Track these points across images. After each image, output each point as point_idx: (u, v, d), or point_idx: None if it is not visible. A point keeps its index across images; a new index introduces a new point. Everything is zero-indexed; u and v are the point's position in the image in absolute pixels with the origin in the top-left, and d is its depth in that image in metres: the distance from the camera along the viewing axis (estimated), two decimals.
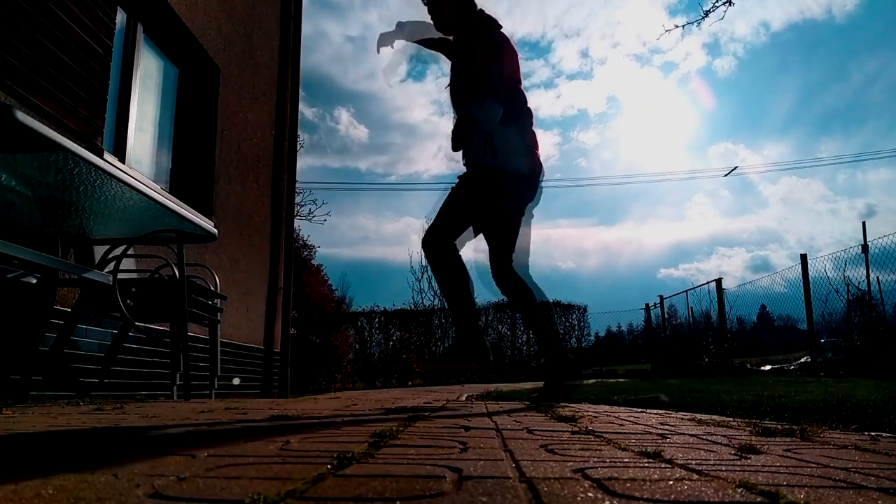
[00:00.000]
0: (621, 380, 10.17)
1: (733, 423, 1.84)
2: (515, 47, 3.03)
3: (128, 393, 3.90)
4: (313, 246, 19.67)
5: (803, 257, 9.72)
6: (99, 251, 3.30)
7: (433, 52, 3.27)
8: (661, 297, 16.35)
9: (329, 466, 0.86)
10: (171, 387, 3.78)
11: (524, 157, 2.94)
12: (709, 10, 6.26)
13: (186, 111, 5.19)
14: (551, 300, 19.39)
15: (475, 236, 3.07)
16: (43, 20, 3.13)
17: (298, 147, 7.52)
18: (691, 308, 14.57)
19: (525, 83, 3.12)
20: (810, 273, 9.63)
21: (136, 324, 3.37)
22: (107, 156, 3.77)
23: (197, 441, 1.18)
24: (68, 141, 2.05)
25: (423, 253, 3.03)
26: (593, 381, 10.27)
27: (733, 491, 0.75)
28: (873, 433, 1.65)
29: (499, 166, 2.89)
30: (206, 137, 5.25)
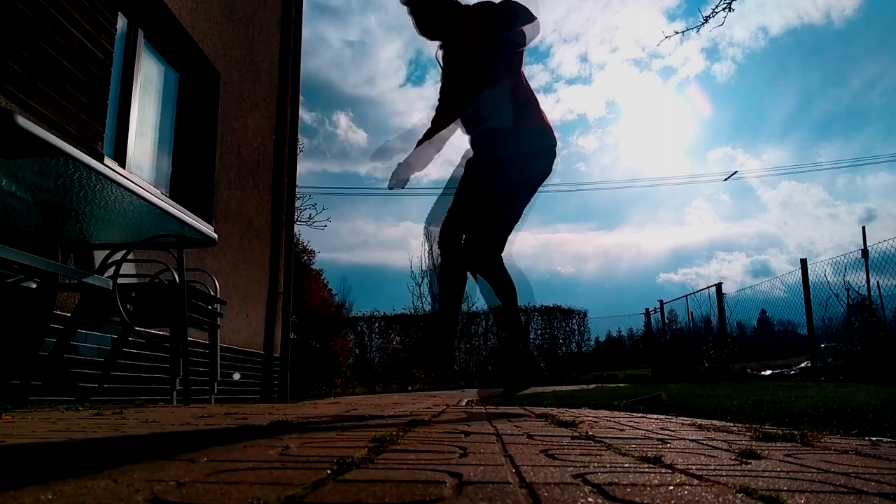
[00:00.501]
0: (621, 385, 10.16)
1: (733, 428, 1.84)
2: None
3: (127, 398, 3.89)
4: (313, 251, 19.70)
5: (803, 262, 9.73)
6: (99, 256, 3.30)
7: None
8: (661, 301, 16.36)
9: (329, 472, 0.86)
10: (171, 391, 3.78)
11: (511, 113, 2.62)
12: (708, 16, 6.29)
13: (187, 116, 5.20)
14: (551, 305, 19.33)
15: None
16: (44, 25, 3.14)
17: (298, 152, 7.53)
18: (691, 313, 14.57)
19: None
20: (810, 278, 9.63)
21: (136, 329, 3.37)
22: (107, 161, 3.77)
23: (196, 446, 1.18)
24: (69, 146, 2.06)
25: (439, 250, 2.78)
26: (593, 385, 10.25)
27: (734, 496, 0.74)
28: (874, 438, 1.65)
29: (492, 127, 2.63)
30: (207, 142, 5.26)
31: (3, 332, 2.79)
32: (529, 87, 2.74)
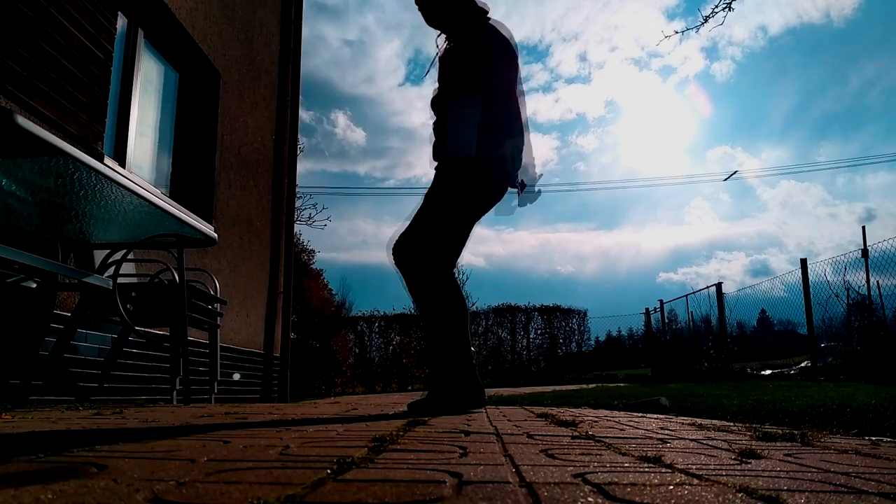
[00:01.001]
0: (621, 384, 10.16)
1: (733, 428, 1.84)
2: (508, 39, 2.73)
3: (127, 397, 3.89)
4: (313, 250, 19.69)
5: (803, 262, 9.73)
6: (99, 255, 3.30)
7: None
8: (661, 301, 16.36)
9: (329, 471, 0.86)
10: (171, 391, 3.78)
11: (474, 142, 2.59)
12: (708, 16, 6.28)
13: (187, 116, 5.20)
14: (551, 304, 19.31)
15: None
16: (44, 25, 3.14)
17: (298, 151, 7.53)
18: (691, 312, 14.57)
19: (523, 87, 2.95)
20: (810, 277, 9.63)
21: (136, 328, 3.37)
22: (107, 160, 3.77)
23: (197, 446, 1.18)
24: (69, 145, 2.06)
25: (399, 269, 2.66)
26: (593, 385, 10.25)
27: (733, 496, 0.74)
28: (874, 438, 1.65)
29: (452, 154, 2.62)
30: (207, 142, 5.26)
31: (3, 332, 2.79)
32: (512, 116, 2.67)
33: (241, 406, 3.40)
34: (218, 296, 4.26)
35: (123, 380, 3.89)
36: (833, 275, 9.60)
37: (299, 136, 7.53)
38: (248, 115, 6.13)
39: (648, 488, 0.78)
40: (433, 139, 2.79)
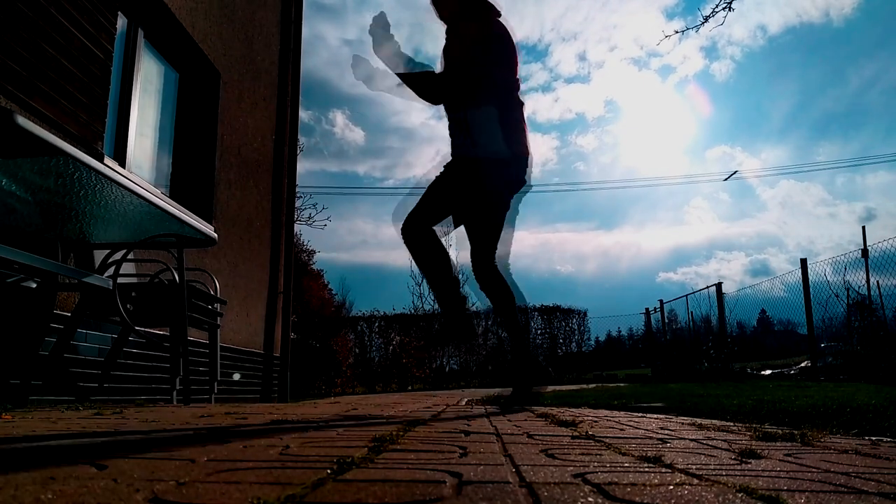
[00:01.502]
0: (621, 384, 10.16)
1: (733, 428, 1.84)
2: (514, 40, 2.95)
3: (127, 397, 3.89)
4: (313, 250, 19.70)
5: (803, 262, 9.73)
6: (99, 255, 3.30)
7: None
8: (661, 301, 16.36)
9: (329, 471, 0.86)
10: (171, 391, 3.78)
11: (502, 141, 2.86)
12: (708, 16, 6.29)
13: (187, 116, 5.20)
14: (551, 304, 19.31)
15: (455, 228, 3.02)
16: (44, 25, 3.14)
17: (298, 151, 7.53)
18: (691, 312, 14.57)
19: (522, 87, 3.06)
20: (810, 277, 9.63)
21: (136, 328, 3.37)
22: (107, 160, 3.77)
23: (197, 446, 1.18)
24: (69, 145, 2.06)
25: (402, 238, 2.99)
26: (593, 385, 10.25)
27: (733, 496, 0.74)
28: (874, 438, 1.65)
29: (476, 156, 2.86)
30: (207, 142, 5.26)
31: (3, 332, 2.79)
32: (521, 113, 2.95)
33: (241, 406, 3.40)
34: (218, 296, 4.26)
35: (123, 380, 3.89)
36: (833, 275, 9.60)
37: (299, 136, 7.53)
38: (248, 115, 6.13)
39: (648, 488, 0.78)
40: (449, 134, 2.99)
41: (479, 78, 2.82)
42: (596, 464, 0.99)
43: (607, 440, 1.39)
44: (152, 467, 0.89)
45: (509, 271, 2.92)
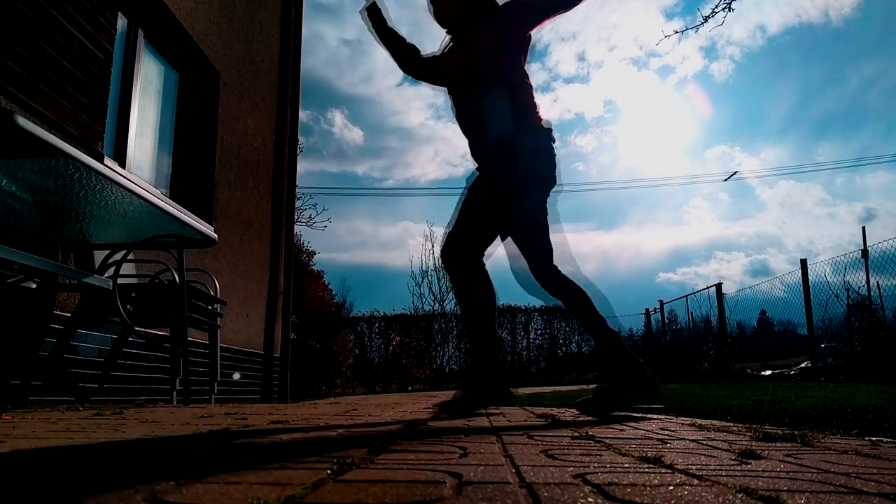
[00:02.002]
0: None
1: (734, 428, 1.84)
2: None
3: (127, 398, 3.89)
4: (313, 251, 19.71)
5: (803, 262, 9.73)
6: (99, 256, 3.30)
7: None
8: (661, 301, 16.36)
9: (329, 472, 0.86)
10: (171, 392, 3.78)
11: (508, 116, 2.55)
12: (708, 16, 6.29)
13: (187, 116, 5.20)
14: (551, 304, 19.30)
15: (503, 240, 2.69)
16: (44, 25, 3.14)
17: (298, 152, 7.53)
18: (691, 313, 14.56)
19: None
20: (810, 278, 9.62)
21: (136, 329, 3.37)
22: (107, 161, 3.77)
23: (196, 446, 1.18)
24: (69, 146, 2.06)
25: (442, 267, 2.67)
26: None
27: (734, 496, 0.74)
28: (874, 438, 1.65)
29: (500, 135, 2.55)
30: (207, 142, 5.26)
31: (3, 332, 2.79)
32: (530, 86, 2.68)
33: (241, 406, 3.40)
34: (218, 296, 4.26)
35: (123, 380, 3.89)
36: (833, 275, 9.59)
37: (299, 136, 7.53)
38: (248, 116, 6.13)
39: (648, 489, 0.78)
40: (465, 137, 2.72)
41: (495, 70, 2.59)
42: (596, 464, 0.99)
43: (607, 440, 1.39)
44: (152, 467, 0.89)
45: (582, 275, 2.61)
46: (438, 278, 23.65)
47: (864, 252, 8.88)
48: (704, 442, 1.42)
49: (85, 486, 0.73)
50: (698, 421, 2.23)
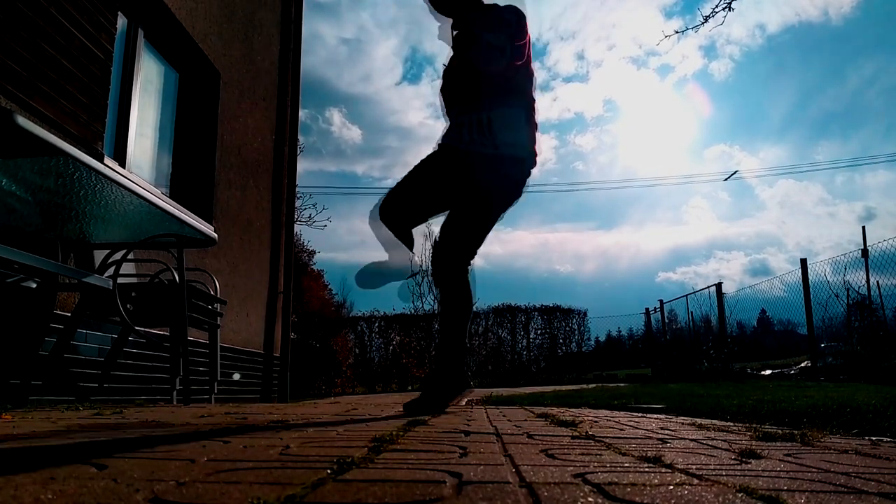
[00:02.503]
0: (621, 384, 10.16)
1: (733, 428, 1.84)
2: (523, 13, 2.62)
3: (127, 397, 3.89)
4: (313, 251, 19.71)
5: (803, 262, 9.73)
6: (99, 256, 3.30)
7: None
8: (661, 301, 16.37)
9: (329, 471, 0.86)
10: (171, 391, 3.78)
11: (525, 141, 2.59)
12: (708, 16, 6.29)
13: (187, 116, 5.20)
14: (551, 304, 19.29)
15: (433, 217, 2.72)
16: (44, 25, 3.14)
17: (298, 151, 7.53)
18: (691, 313, 14.57)
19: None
20: (810, 277, 9.63)
21: (136, 328, 3.37)
22: (107, 160, 3.77)
23: (197, 446, 1.18)
24: (69, 145, 2.06)
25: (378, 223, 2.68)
26: (593, 385, 10.25)
27: (733, 496, 0.74)
28: (874, 438, 1.65)
29: (496, 152, 2.54)
30: (207, 142, 5.26)
31: (3, 332, 2.79)
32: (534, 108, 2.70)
33: (241, 406, 3.40)
34: (218, 296, 4.26)
35: (123, 380, 3.89)
36: (833, 275, 9.60)
37: (299, 136, 7.53)
38: (248, 115, 6.13)
39: (648, 488, 0.78)
40: (447, 127, 2.71)
41: (506, 79, 2.58)
42: (596, 464, 0.99)
43: (607, 440, 1.39)
44: (152, 467, 0.89)
45: (474, 273, 2.65)
46: None
47: (864, 251, 8.88)
48: (704, 441, 1.42)
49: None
50: (698, 420, 2.23)
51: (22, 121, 1.87)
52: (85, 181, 2.29)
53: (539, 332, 19.22)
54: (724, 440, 1.45)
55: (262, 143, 6.52)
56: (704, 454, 1.17)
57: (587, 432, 1.59)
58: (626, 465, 0.99)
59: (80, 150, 2.12)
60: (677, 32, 6.68)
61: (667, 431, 1.69)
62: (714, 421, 2.22)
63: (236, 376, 5.60)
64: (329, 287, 21.02)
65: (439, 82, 2.84)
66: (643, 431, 1.67)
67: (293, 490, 0.72)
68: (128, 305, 3.39)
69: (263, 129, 6.58)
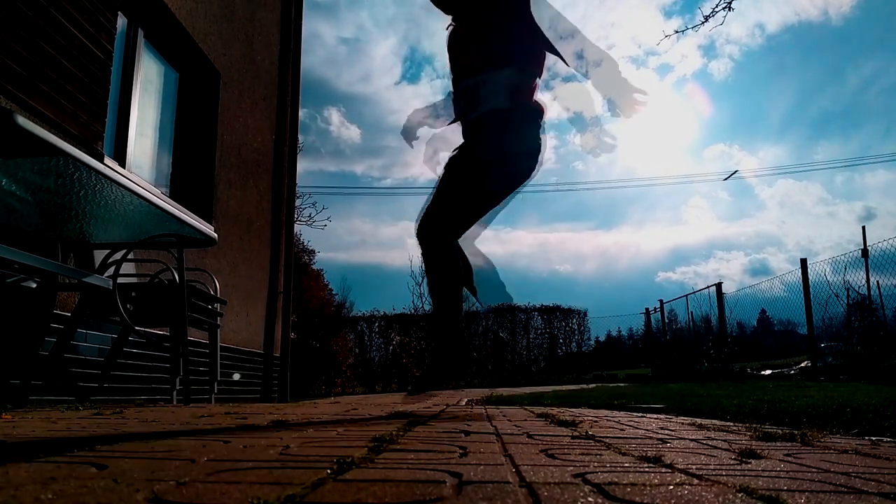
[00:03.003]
0: (621, 384, 10.16)
1: (733, 428, 1.84)
2: None
3: (127, 397, 3.89)
4: (313, 250, 19.69)
5: (803, 262, 9.73)
6: (99, 256, 3.30)
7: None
8: (661, 301, 16.37)
9: (329, 471, 0.86)
10: (171, 391, 3.78)
11: (507, 95, 2.45)
12: (708, 16, 6.29)
13: (187, 116, 5.20)
14: (551, 304, 19.29)
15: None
16: (44, 25, 3.14)
17: (298, 151, 7.53)
18: (691, 312, 14.57)
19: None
20: (810, 277, 9.63)
21: (136, 328, 3.37)
22: (107, 160, 3.77)
23: (197, 446, 1.18)
24: (69, 145, 2.06)
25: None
26: (593, 385, 10.25)
27: (733, 496, 0.74)
28: (874, 438, 1.65)
29: (484, 113, 2.44)
30: (207, 142, 5.26)
31: (3, 332, 2.79)
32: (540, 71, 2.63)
33: (241, 406, 3.40)
34: (218, 296, 4.26)
35: (123, 380, 3.89)
36: (833, 274, 9.60)
37: (299, 136, 7.53)
38: (248, 115, 6.13)
39: (648, 488, 0.78)
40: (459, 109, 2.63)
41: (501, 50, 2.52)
42: (596, 464, 0.99)
43: (607, 440, 1.39)
44: (152, 467, 0.89)
45: (483, 273, 2.54)
46: None
47: (864, 251, 8.88)
48: (704, 441, 1.42)
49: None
50: (698, 420, 2.23)
51: (22, 121, 1.87)
52: (85, 181, 2.29)
53: (539, 331, 19.21)
54: (724, 440, 1.45)
55: (261, 143, 6.52)
56: (704, 454, 1.17)
57: (587, 432, 1.59)
58: (626, 465, 0.99)
59: (80, 149, 2.12)
60: (677, 32, 6.69)
61: (667, 431, 1.69)
62: (714, 421, 2.22)
63: (236, 376, 5.61)
64: (329, 287, 21.00)
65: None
66: (643, 431, 1.67)
67: (293, 490, 0.72)
68: (128, 305, 3.39)
69: (263, 129, 6.58)
